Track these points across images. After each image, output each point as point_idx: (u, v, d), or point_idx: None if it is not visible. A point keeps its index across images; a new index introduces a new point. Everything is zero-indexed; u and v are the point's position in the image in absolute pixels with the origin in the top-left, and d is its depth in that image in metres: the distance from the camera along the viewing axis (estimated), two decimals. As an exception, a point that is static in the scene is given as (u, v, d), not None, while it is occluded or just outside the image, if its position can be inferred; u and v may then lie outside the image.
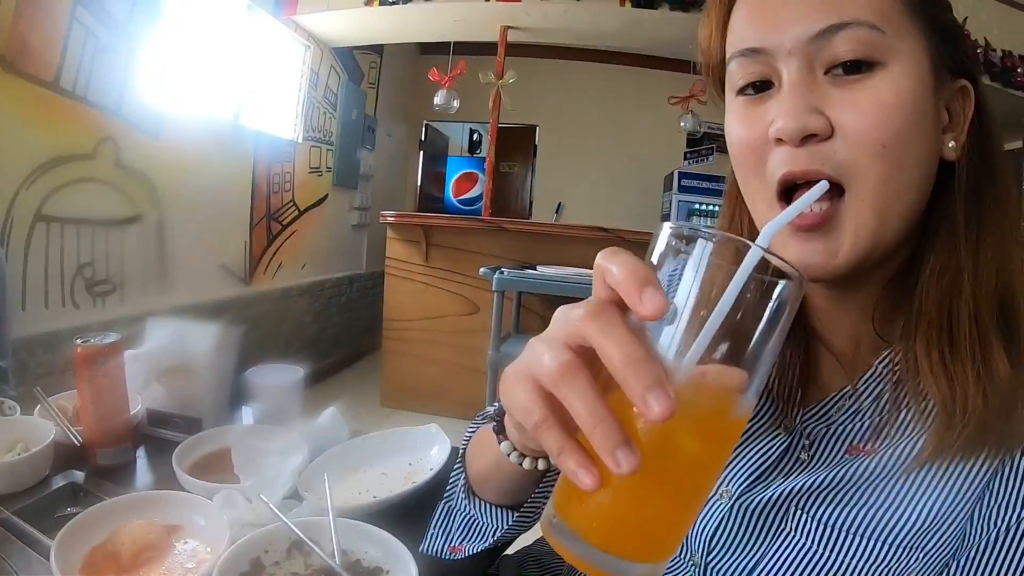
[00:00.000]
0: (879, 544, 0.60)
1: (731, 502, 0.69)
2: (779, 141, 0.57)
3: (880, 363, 0.65)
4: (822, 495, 0.64)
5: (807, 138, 0.55)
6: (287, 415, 1.19)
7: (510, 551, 1.02)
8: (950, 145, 0.60)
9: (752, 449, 0.70)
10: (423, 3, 4.81)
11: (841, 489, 0.63)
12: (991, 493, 0.58)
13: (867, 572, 0.60)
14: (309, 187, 5.44)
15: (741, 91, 0.62)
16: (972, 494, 0.59)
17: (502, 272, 3.73)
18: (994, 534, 0.57)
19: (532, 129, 8.03)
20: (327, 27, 5.23)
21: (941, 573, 0.60)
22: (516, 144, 8.00)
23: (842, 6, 0.55)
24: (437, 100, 5.44)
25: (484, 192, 5.60)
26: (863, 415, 0.65)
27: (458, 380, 4.47)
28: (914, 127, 0.56)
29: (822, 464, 0.66)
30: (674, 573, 0.75)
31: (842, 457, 0.65)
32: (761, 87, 0.61)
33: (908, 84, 0.56)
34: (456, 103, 5.44)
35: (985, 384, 0.55)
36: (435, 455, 1.11)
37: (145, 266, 3.62)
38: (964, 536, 0.59)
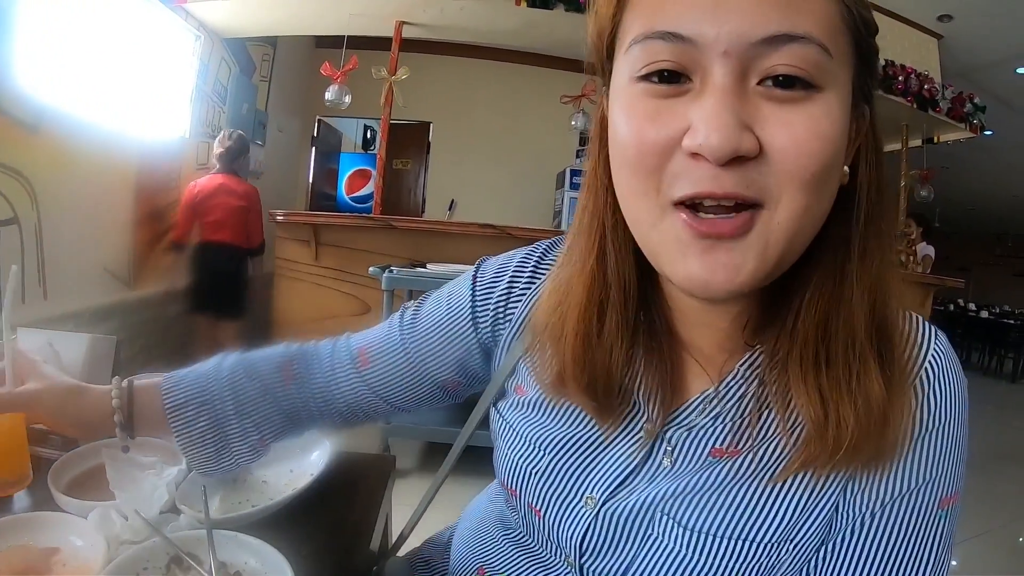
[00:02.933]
0: (747, 544, 0.61)
1: (596, 508, 0.69)
2: (695, 154, 0.51)
3: (741, 365, 0.65)
4: (686, 499, 0.64)
5: (733, 158, 0.50)
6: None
7: (399, 553, 1.03)
8: (844, 170, 0.57)
9: (615, 455, 0.70)
10: None
11: (705, 493, 0.64)
12: (855, 480, 0.61)
13: (737, 572, 0.61)
14: (196, 185, 5.23)
15: (644, 77, 0.53)
16: (837, 487, 0.61)
17: (391, 271, 3.68)
18: (859, 521, 0.60)
19: (426, 126, 8.05)
20: (218, 16, 5.08)
21: (811, 560, 0.62)
22: (410, 141, 8.01)
23: (798, 16, 0.50)
24: (328, 95, 5.33)
25: (375, 190, 5.55)
26: (725, 418, 0.65)
27: None
28: (838, 156, 0.54)
29: (686, 468, 0.66)
30: (555, 571, 0.75)
31: (705, 460, 0.65)
32: (671, 78, 0.53)
33: (840, 113, 0.53)
34: (348, 99, 5.35)
35: (859, 405, 0.56)
36: (315, 459, 1.08)
37: (22, 271, 3.39)
38: (832, 523, 0.61)
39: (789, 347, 0.59)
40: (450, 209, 6.06)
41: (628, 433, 0.70)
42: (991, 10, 6.46)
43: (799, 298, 0.58)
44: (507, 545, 0.82)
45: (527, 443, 0.76)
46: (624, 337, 0.66)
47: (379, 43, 5.35)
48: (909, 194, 7.26)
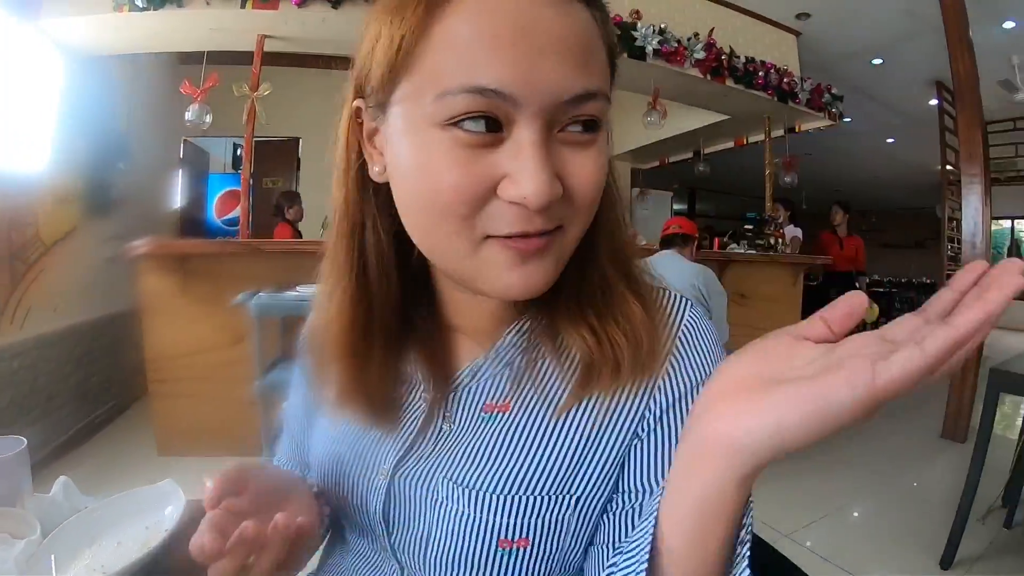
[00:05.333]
0: (530, 492, 0.67)
1: (387, 480, 0.74)
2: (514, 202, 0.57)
3: (509, 333, 0.74)
4: (466, 461, 0.70)
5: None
6: (11, 493, 1.05)
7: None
8: None
9: (402, 428, 0.76)
10: (176, 9, 4.46)
11: (484, 450, 0.70)
12: (657, 390, 0.69)
13: (524, 519, 0.66)
14: (56, 218, 4.71)
15: (456, 126, 0.56)
16: (633, 411, 0.69)
17: (259, 296, 3.48)
18: (672, 400, 0.69)
19: (295, 142, 7.86)
20: (75, 35, 4.75)
21: (619, 467, 0.70)
22: (279, 158, 7.80)
23: (591, 75, 0.58)
24: (188, 115, 5.06)
25: (240, 212, 5.30)
26: (497, 378, 0.73)
27: (233, 416, 4.05)
28: (607, 175, 0.66)
29: (463, 430, 0.72)
30: (374, 551, 0.79)
31: (479, 417, 0.72)
32: (486, 129, 0.56)
33: (607, 141, 0.64)
34: (208, 118, 5.08)
35: (624, 327, 0.68)
36: (169, 514, 1.03)
37: None
38: (635, 432, 0.69)
39: (555, 305, 0.70)
40: (324, 227, 5.83)
41: (412, 406, 0.76)
42: (846, 7, 6.86)
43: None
44: (341, 559, 0.86)
45: (329, 442, 0.82)
46: (392, 353, 0.74)
47: (244, 58, 5.11)
48: (774, 181, 7.59)
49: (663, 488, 0.53)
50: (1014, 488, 3.74)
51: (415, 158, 0.59)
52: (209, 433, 4.16)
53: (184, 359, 4.32)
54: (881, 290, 12.74)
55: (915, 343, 0.37)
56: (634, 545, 0.54)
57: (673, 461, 0.51)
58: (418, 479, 0.72)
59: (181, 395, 4.35)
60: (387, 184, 0.66)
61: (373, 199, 0.69)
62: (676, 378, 0.69)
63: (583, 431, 0.68)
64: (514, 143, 0.56)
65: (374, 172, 0.67)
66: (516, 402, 0.71)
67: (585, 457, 0.68)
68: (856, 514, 3.94)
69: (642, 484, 0.67)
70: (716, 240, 7.04)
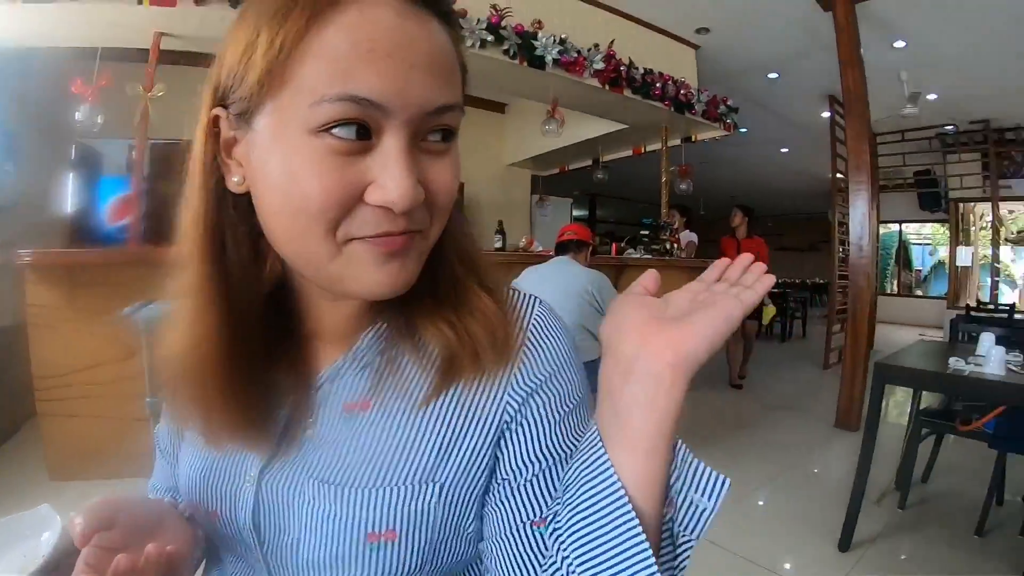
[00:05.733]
0: (393, 483, 0.69)
1: (255, 487, 0.74)
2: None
3: (367, 336, 0.76)
4: (330, 460, 0.72)
5: None
6: None
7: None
8: None
9: (265, 436, 0.76)
10: (69, 3, 4.22)
11: (347, 448, 0.72)
12: (515, 379, 0.73)
13: (389, 510, 0.68)
14: (-66, 228, 4.35)
15: (326, 133, 0.58)
16: (494, 400, 0.72)
17: (150, 307, 3.29)
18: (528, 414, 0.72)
19: (190, 145, 7.55)
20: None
21: (488, 465, 0.72)
22: (178, 161, 7.46)
23: (451, 89, 0.63)
24: (79, 115, 4.81)
25: (131, 219, 5.09)
26: (357, 379, 0.75)
27: (128, 435, 3.78)
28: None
29: (326, 431, 0.74)
30: (248, 566, 0.79)
31: (340, 417, 0.74)
32: (356, 136, 0.59)
33: (458, 149, 0.69)
34: (100, 119, 4.84)
35: (480, 318, 0.72)
36: (47, 540, 0.97)
37: None
38: (498, 422, 0.72)
39: (410, 305, 0.73)
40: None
41: (276, 412, 0.77)
42: (744, 24, 7.16)
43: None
44: None
45: (195, 457, 0.81)
46: (255, 363, 0.73)
47: (139, 56, 4.89)
48: (670, 188, 7.83)
49: (596, 435, 0.61)
50: (906, 471, 3.97)
51: (285, 165, 0.60)
52: (102, 454, 3.88)
53: (75, 375, 4.07)
54: (776, 290, 13.13)
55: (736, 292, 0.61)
56: (589, 470, 0.60)
57: (619, 411, 0.59)
58: (285, 483, 0.73)
59: (71, 414, 4.09)
60: (245, 195, 0.67)
61: (232, 211, 0.70)
62: (532, 368, 0.73)
63: (445, 422, 0.71)
64: (382, 151, 0.60)
65: (232, 183, 0.67)
66: (376, 400, 0.73)
67: (449, 446, 0.70)
68: (755, 504, 4.06)
69: (524, 463, 0.71)
70: (614, 245, 7.16)
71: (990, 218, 13.60)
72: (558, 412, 0.73)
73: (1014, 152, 12.91)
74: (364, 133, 0.59)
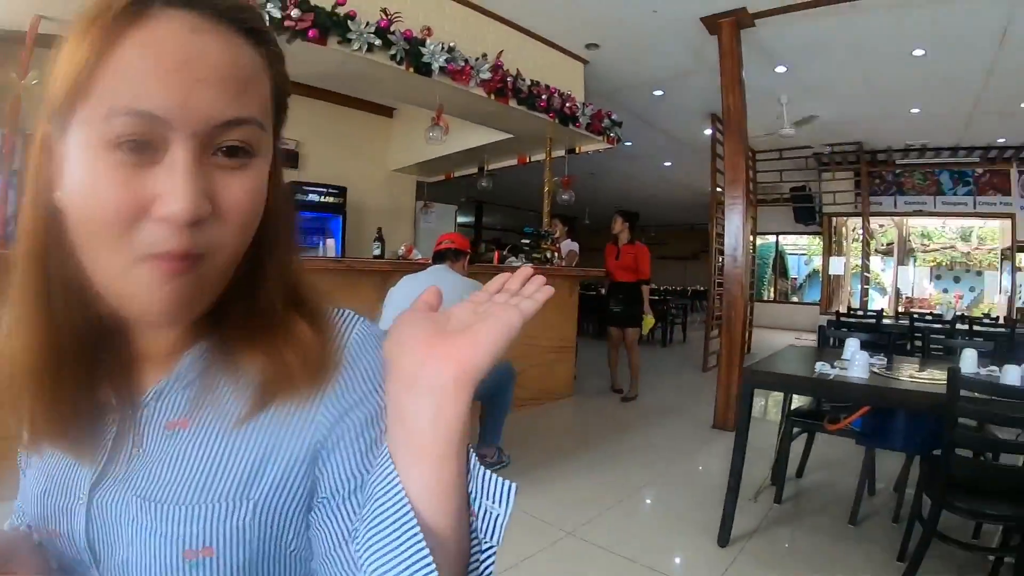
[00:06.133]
0: (208, 500, 0.69)
1: (85, 505, 0.73)
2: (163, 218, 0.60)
3: (188, 356, 0.75)
4: (152, 477, 0.71)
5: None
6: None
7: None
8: (268, 196, 0.70)
9: (94, 455, 0.75)
10: None
11: (166, 465, 0.71)
12: (330, 400, 0.73)
13: (205, 527, 0.68)
14: None
15: (115, 147, 0.58)
16: (308, 421, 0.72)
17: None
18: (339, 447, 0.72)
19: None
20: None
21: (306, 481, 0.72)
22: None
23: (246, 105, 0.63)
24: (-61, 104, 4.46)
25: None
26: (178, 399, 0.74)
27: None
28: (263, 200, 0.68)
29: (149, 449, 0.73)
30: None
31: (163, 435, 0.74)
32: (140, 149, 0.59)
33: (266, 169, 0.67)
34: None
35: (295, 346, 0.71)
36: None
37: None
38: (312, 442, 0.72)
39: (228, 330, 0.73)
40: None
41: (105, 431, 0.75)
42: (632, 42, 7.39)
43: (228, 295, 0.70)
44: None
45: (39, 474, 0.80)
46: (84, 380, 0.72)
47: (16, 39, 4.51)
48: (553, 198, 7.90)
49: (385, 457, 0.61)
50: (780, 468, 4.20)
51: (82, 178, 0.60)
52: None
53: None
54: (656, 298, 13.59)
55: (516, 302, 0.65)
56: (379, 484, 0.60)
57: (407, 424, 0.59)
58: (112, 501, 0.72)
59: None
60: None
61: (60, 224, 0.67)
62: (348, 388, 0.74)
63: (259, 440, 0.72)
64: (167, 163, 0.59)
65: (56, 196, 0.66)
66: (194, 418, 0.73)
67: (263, 464, 0.71)
68: (637, 505, 4.16)
69: (343, 480, 0.71)
70: (496, 253, 7.17)
71: (861, 231, 14.70)
72: (375, 429, 0.73)
73: (884, 172, 14.38)
74: (152, 147, 0.59)
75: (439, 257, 4.31)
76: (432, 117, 6.20)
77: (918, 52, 7.65)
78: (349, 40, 4.79)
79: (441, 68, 5.46)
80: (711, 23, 6.58)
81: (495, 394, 4.25)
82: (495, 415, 4.34)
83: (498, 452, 4.43)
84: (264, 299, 0.73)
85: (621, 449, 5.22)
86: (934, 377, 3.28)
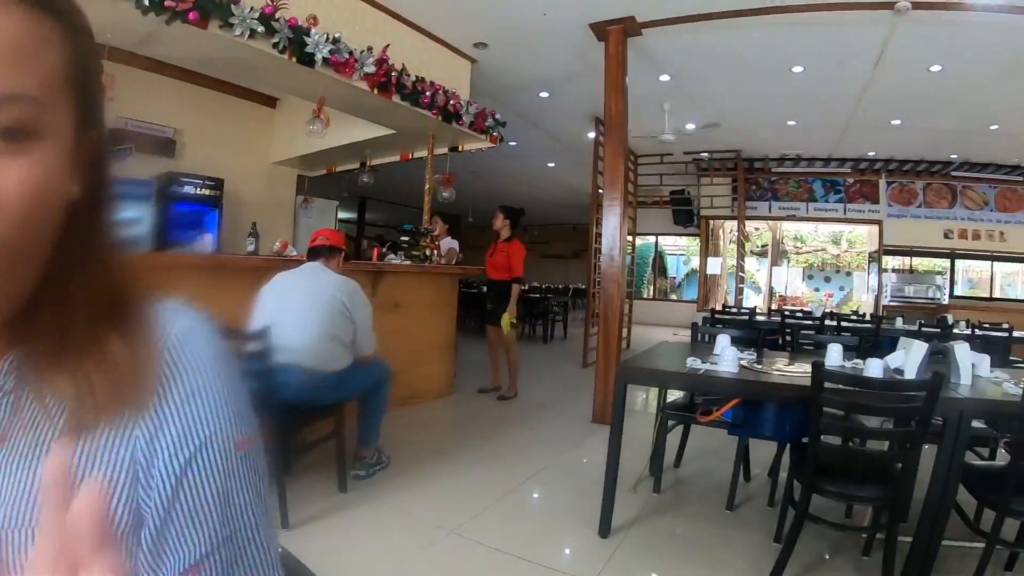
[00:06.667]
0: (20, 526, 0.62)
1: None
2: None
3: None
4: None
5: None
6: None
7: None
8: (74, 189, 0.63)
9: None
10: None
11: None
12: (148, 415, 0.65)
13: (12, 553, 0.62)
14: None
15: None
16: (123, 438, 0.64)
17: None
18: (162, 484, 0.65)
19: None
20: None
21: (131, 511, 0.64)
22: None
23: (15, 78, 0.54)
24: None
25: None
26: None
27: None
28: (55, 191, 0.59)
29: None
30: None
31: None
32: None
33: (55, 154, 0.58)
34: None
35: (104, 369, 0.63)
36: None
37: None
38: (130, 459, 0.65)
39: (37, 342, 0.65)
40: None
41: None
42: (521, 43, 7.45)
43: (37, 299, 0.63)
44: None
45: None
46: None
47: None
48: (434, 195, 7.84)
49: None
50: (657, 459, 4.32)
51: None
52: None
53: None
54: (537, 296, 13.83)
55: None
56: None
57: None
58: None
59: None
60: None
61: None
62: (168, 399, 0.67)
63: (71, 464, 0.65)
64: None
65: None
66: (8, 436, 0.67)
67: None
68: (519, 501, 4.16)
69: (161, 504, 0.66)
70: (376, 250, 7.02)
71: (737, 234, 15.51)
72: (195, 441, 0.67)
73: (760, 179, 15.26)
74: None
75: (313, 254, 4.18)
76: (313, 109, 6.06)
77: (797, 69, 8.18)
78: (231, 25, 4.60)
79: (324, 59, 5.32)
80: (599, 29, 6.71)
81: (371, 393, 4.18)
82: (372, 415, 4.26)
83: (377, 453, 4.36)
84: (70, 310, 0.66)
85: (502, 446, 5.24)
86: (801, 370, 3.45)
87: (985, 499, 2.99)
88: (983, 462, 3.94)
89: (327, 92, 5.94)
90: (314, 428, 3.90)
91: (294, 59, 5.13)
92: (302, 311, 3.78)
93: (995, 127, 10.47)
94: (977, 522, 3.20)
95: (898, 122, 10.61)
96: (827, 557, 3.40)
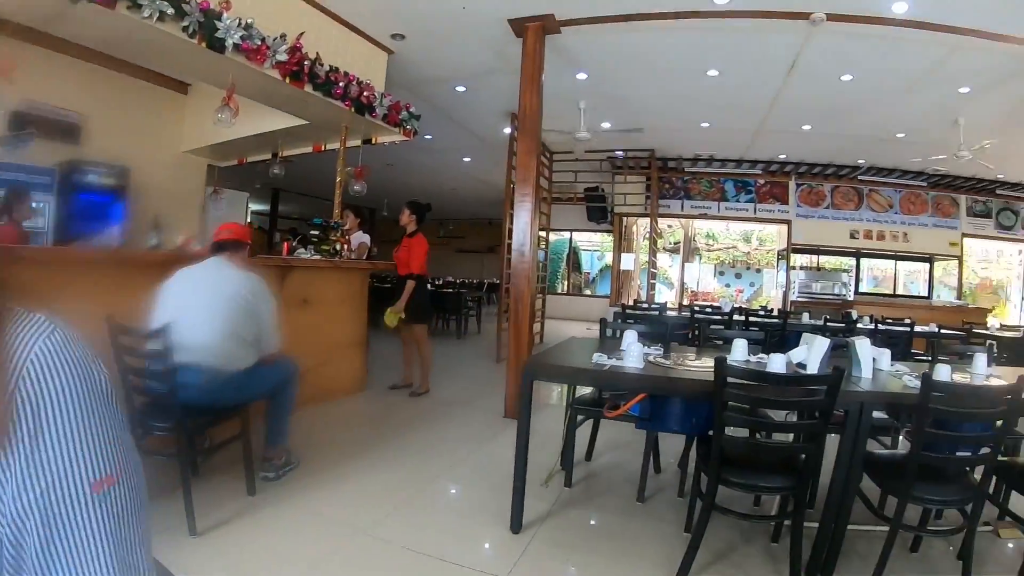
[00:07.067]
0: None
1: None
2: None
3: None
4: None
5: None
6: None
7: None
8: None
9: None
10: None
11: None
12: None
13: None
14: None
15: None
16: None
17: None
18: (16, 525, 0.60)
19: None
20: None
21: None
22: None
23: None
24: None
25: None
26: None
27: None
28: None
29: None
30: None
31: None
32: None
33: None
34: None
35: None
36: None
37: None
38: None
39: None
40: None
41: None
42: (439, 36, 7.39)
43: None
44: None
45: None
46: None
47: None
48: (345, 188, 7.72)
49: None
50: (568, 453, 4.35)
51: None
52: None
53: None
54: (451, 291, 13.83)
55: None
56: None
57: None
58: None
59: None
60: None
61: None
62: (14, 436, 0.62)
63: None
64: None
65: None
66: None
67: None
68: (430, 498, 4.12)
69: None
70: (286, 244, 6.79)
71: (650, 231, 15.82)
72: (40, 484, 0.62)
73: (673, 178, 15.63)
74: None
75: (217, 248, 3.98)
76: (223, 97, 5.82)
77: (713, 72, 8.40)
78: (140, 6, 4.40)
79: (236, 45, 5.15)
80: (518, 26, 6.70)
81: (277, 392, 4.05)
82: (279, 414, 4.12)
83: (286, 454, 4.23)
84: None
85: (414, 443, 5.19)
86: (706, 365, 3.51)
87: (887, 486, 3.14)
88: (886, 451, 4.10)
89: (238, 79, 5.72)
90: (220, 430, 3.77)
91: (204, 44, 4.94)
92: (204, 308, 3.63)
93: (901, 135, 11.04)
94: (882, 508, 3.34)
95: (809, 127, 11.08)
96: (737, 545, 3.51)
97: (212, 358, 3.56)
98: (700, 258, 21.54)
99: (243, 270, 3.90)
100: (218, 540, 3.26)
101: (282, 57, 5.59)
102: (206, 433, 3.88)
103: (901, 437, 4.27)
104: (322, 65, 6.13)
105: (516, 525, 3.58)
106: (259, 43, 5.36)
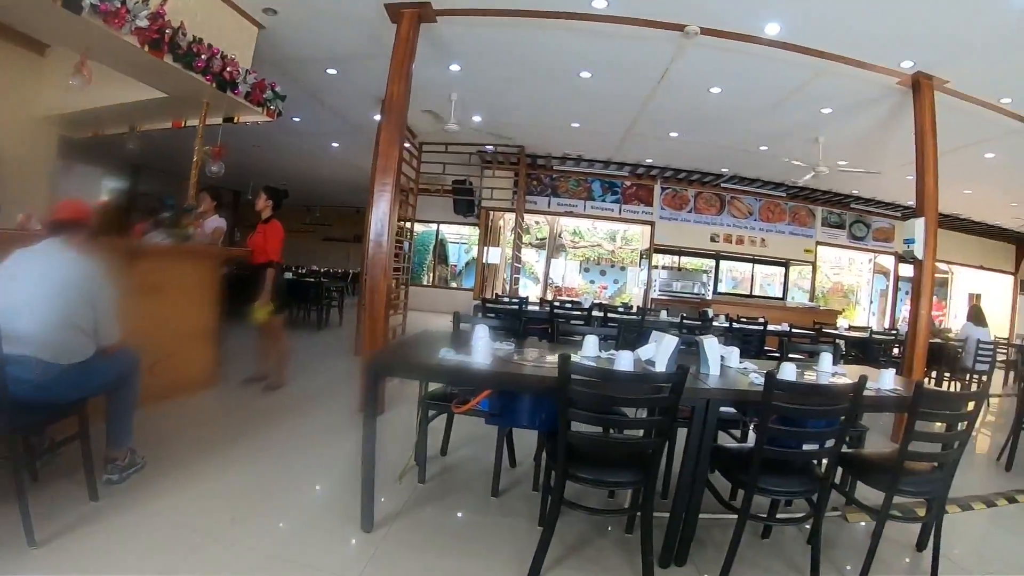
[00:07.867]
0: None
1: None
2: None
3: None
4: None
5: None
6: None
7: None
8: None
9: None
10: None
11: None
12: None
13: None
14: None
15: None
16: None
17: None
18: None
19: None
20: None
21: None
22: None
23: None
24: None
25: None
26: None
27: None
28: None
29: None
30: None
31: None
32: None
33: None
34: None
35: None
36: None
37: None
38: None
39: None
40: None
41: None
42: (313, 14, 7.16)
43: None
44: None
45: None
46: None
47: None
48: (201, 169, 7.41)
49: None
50: (420, 448, 4.31)
51: None
52: None
53: None
54: (312, 280, 13.51)
55: None
56: None
57: None
58: None
59: None
60: None
61: None
62: None
63: None
64: None
65: None
66: None
67: None
68: (282, 498, 3.95)
69: None
70: (139, 227, 6.29)
71: (515, 225, 15.96)
72: None
73: (542, 175, 15.89)
74: None
75: (55, 228, 3.54)
76: (76, 63, 5.42)
77: (585, 74, 8.55)
78: None
79: (93, 6, 4.76)
80: (394, 11, 6.57)
81: (118, 388, 3.71)
82: (121, 412, 3.79)
83: (130, 454, 3.91)
84: None
85: (268, 440, 5.00)
86: (556, 362, 3.53)
87: (734, 479, 3.31)
88: (734, 444, 4.27)
89: (93, 44, 5.32)
90: (57, 429, 3.46)
91: (59, 3, 4.55)
92: (36, 295, 3.23)
93: (764, 148, 11.69)
94: (733, 498, 3.50)
95: (676, 134, 11.51)
96: (592, 538, 3.61)
97: (45, 350, 3.20)
98: (566, 254, 22.02)
99: (80, 253, 3.49)
100: (59, 550, 2.98)
101: (142, 23, 5.21)
102: (46, 432, 3.58)
103: (751, 431, 4.47)
104: (185, 35, 5.77)
105: (368, 524, 3.50)
106: (119, 6, 4.97)
